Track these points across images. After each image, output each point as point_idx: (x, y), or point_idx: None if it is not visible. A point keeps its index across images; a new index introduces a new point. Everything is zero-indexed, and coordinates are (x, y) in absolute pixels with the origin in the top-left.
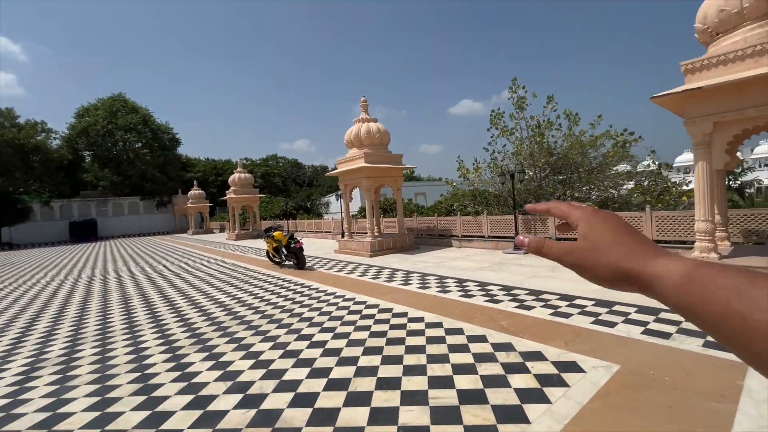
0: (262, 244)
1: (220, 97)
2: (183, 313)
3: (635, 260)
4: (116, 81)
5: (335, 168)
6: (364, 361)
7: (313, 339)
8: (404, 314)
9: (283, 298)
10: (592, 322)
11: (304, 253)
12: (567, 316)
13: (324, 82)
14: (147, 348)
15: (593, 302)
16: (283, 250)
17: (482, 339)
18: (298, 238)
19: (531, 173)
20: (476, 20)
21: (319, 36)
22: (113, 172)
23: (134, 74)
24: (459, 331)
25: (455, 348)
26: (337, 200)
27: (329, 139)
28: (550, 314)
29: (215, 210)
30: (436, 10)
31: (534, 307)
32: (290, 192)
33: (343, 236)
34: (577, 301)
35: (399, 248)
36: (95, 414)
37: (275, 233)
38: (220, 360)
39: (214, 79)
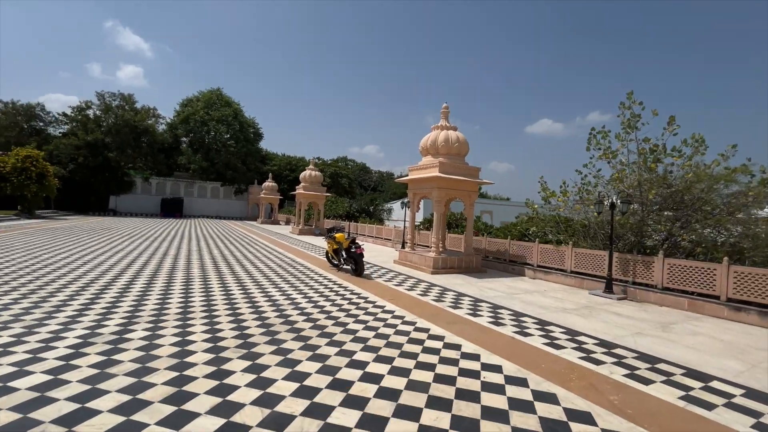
0: (322, 242)
1: (303, 99)
2: (236, 306)
3: None
4: (216, 77)
5: (404, 175)
6: (429, 417)
7: (368, 369)
8: (476, 356)
9: (338, 308)
10: (754, 426)
11: (363, 259)
12: (708, 406)
13: (398, 89)
14: (192, 342)
15: (743, 391)
16: (343, 253)
17: (587, 419)
18: (360, 243)
19: (634, 206)
20: (570, 32)
21: (397, 43)
22: (203, 158)
23: (232, 70)
24: (552, 399)
25: (551, 427)
26: (402, 208)
27: (398, 146)
28: (681, 398)
29: (284, 203)
30: (525, 18)
31: (653, 382)
32: (355, 194)
33: (403, 246)
34: (716, 385)
35: (464, 269)
36: (119, 420)
37: (337, 235)
38: (261, 375)
39: (299, 82)
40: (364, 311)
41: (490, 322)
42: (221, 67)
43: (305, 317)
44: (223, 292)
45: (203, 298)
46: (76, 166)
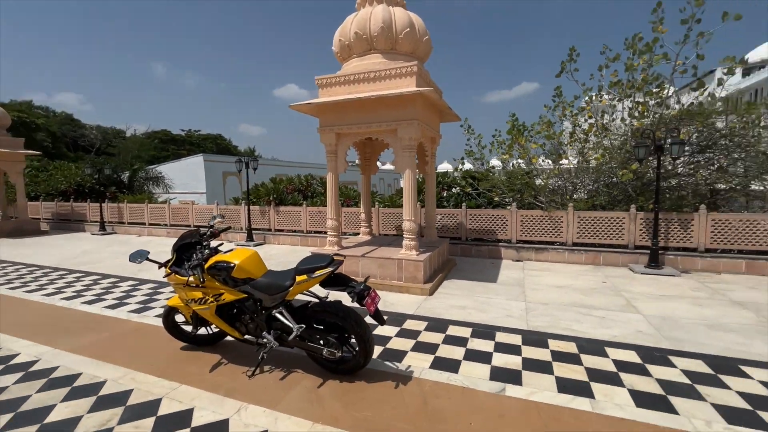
0: (37, 252)
1: None
2: None
3: None
4: None
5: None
6: None
7: None
8: None
9: None
10: None
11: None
12: None
13: (116, 28)
14: None
15: None
16: (287, 320)
17: None
18: (369, 286)
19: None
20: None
21: None
22: None
23: None
24: None
25: None
26: (240, 170)
27: (112, 98)
28: None
29: None
30: None
31: None
32: (68, 158)
33: (250, 238)
34: None
35: (441, 266)
36: None
37: (236, 258)
38: None
39: None
40: None
41: None
42: None
43: None
44: None
45: None
46: None
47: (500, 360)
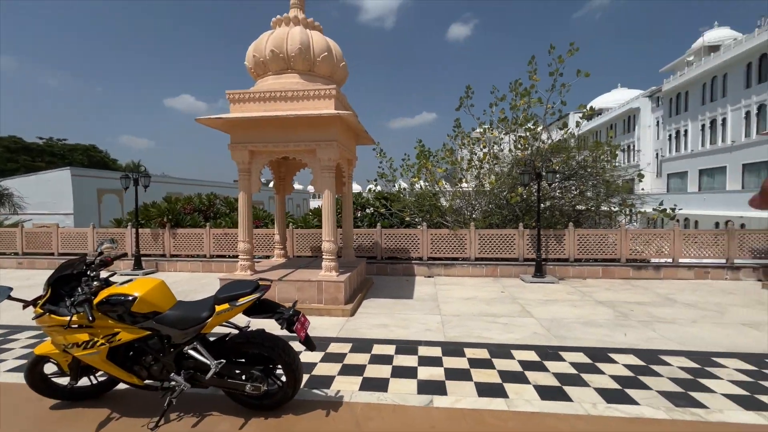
0: None
1: None
2: None
3: None
4: None
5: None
6: None
7: None
8: None
9: None
10: None
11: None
12: None
13: None
14: None
15: None
16: (203, 356)
17: None
18: (299, 310)
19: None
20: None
21: None
22: None
23: None
24: None
25: None
26: (126, 186)
27: None
28: None
29: None
30: None
31: None
32: None
33: (135, 267)
34: None
35: (360, 285)
36: None
37: (137, 290)
38: None
39: None
40: None
41: None
42: None
43: None
44: None
45: None
46: None
47: (425, 373)
